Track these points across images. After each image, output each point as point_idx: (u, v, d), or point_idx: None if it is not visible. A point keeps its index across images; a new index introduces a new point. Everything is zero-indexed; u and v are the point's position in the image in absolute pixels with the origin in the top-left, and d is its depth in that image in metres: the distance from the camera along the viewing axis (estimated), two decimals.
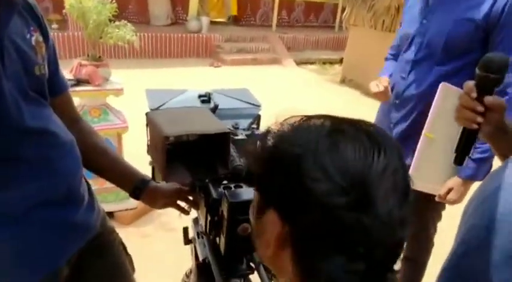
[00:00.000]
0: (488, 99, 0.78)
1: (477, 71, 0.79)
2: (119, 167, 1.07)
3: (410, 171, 1.23)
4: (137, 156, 1.52)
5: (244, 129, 1.25)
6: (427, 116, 1.27)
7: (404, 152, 1.43)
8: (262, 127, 1.34)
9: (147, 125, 0.96)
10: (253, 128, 1.25)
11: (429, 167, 1.27)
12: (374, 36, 5.94)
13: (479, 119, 0.79)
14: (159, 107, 1.22)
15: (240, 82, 6.26)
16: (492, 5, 1.24)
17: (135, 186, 1.04)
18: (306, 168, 0.42)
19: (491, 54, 0.79)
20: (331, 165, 0.42)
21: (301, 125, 0.49)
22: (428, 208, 1.50)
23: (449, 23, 1.32)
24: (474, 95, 0.79)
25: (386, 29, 5.77)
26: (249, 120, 1.30)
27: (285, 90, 6.10)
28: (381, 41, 5.83)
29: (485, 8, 1.25)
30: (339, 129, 0.46)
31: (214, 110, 1.27)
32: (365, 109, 5.62)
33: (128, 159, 1.09)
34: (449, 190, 1.34)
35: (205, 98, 1.28)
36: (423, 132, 1.26)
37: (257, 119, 1.32)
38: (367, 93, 6.15)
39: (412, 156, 1.31)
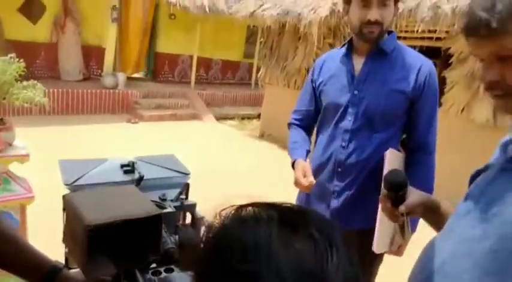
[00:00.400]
0: (401, 209, 0.89)
1: (383, 189, 0.91)
2: (25, 256, 0.91)
3: (374, 247, 1.29)
4: (44, 231, 1.33)
5: (172, 201, 1.18)
6: (372, 180, 1.39)
7: (353, 218, 1.44)
8: (192, 196, 1.28)
9: (64, 209, 0.84)
10: (182, 198, 1.19)
11: (387, 236, 1.29)
12: (288, 94, 6.33)
13: (402, 218, 0.91)
14: (76, 181, 1.10)
15: (159, 138, 6.13)
16: (416, 78, 1.41)
17: (45, 277, 0.89)
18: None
19: (390, 175, 0.92)
20: (287, 269, 0.39)
21: (247, 221, 0.46)
22: (376, 259, 1.55)
23: (383, 95, 1.41)
24: (389, 205, 0.90)
25: (298, 88, 6.21)
26: (177, 190, 1.23)
27: (206, 146, 6.09)
28: (294, 98, 6.18)
29: (411, 80, 1.41)
30: (290, 224, 0.44)
31: (140, 181, 1.18)
32: (284, 162, 5.85)
33: (32, 236, 0.94)
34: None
35: (129, 168, 1.19)
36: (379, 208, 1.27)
37: (186, 188, 1.26)
38: (285, 146, 6.40)
39: (364, 222, 1.43)
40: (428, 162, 1.50)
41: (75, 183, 1.08)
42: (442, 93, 4.52)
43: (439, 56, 4.85)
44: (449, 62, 4.33)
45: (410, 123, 1.47)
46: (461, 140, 4.26)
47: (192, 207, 1.18)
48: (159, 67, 9.31)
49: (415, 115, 1.45)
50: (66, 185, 1.08)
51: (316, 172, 1.53)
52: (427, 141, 1.48)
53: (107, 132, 6.13)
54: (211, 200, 4.16)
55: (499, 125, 3.80)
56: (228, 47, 10.00)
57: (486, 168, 0.78)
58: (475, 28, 0.65)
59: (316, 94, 1.61)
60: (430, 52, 4.91)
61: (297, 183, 1.44)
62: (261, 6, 6.14)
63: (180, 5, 7.45)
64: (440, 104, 4.48)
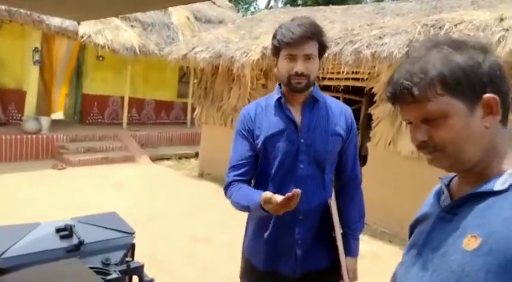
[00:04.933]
0: None
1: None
2: None
3: (345, 280, 1.49)
4: None
5: (117, 264, 1.09)
6: (325, 220, 1.51)
7: (319, 260, 1.52)
8: (138, 257, 1.18)
9: None
10: (127, 261, 1.09)
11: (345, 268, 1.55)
12: (225, 133, 6.37)
13: None
14: (5, 252, 0.96)
15: (89, 184, 5.74)
16: (345, 122, 1.57)
17: None
18: None
19: None
20: None
21: None
22: None
23: (327, 139, 1.52)
24: None
25: (235, 127, 6.28)
26: (122, 252, 1.13)
27: (143, 189, 5.82)
28: (231, 137, 6.27)
29: (343, 124, 1.56)
30: None
31: (79, 246, 1.07)
32: (225, 201, 5.76)
33: None
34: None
35: (66, 233, 1.08)
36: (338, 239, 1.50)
37: (131, 248, 1.17)
38: None
39: (327, 260, 1.54)
40: (359, 191, 1.68)
41: (3, 256, 0.95)
42: (369, 128, 4.85)
43: (363, 94, 5.26)
44: (374, 100, 4.70)
45: (341, 160, 1.61)
46: (389, 171, 4.56)
47: (139, 270, 1.10)
48: (87, 109, 8.89)
49: (344, 153, 1.60)
50: None
51: (270, 226, 1.52)
52: (356, 173, 1.65)
53: (30, 181, 5.61)
54: (153, 247, 3.94)
55: (422, 156, 4.14)
56: (160, 86, 9.91)
57: (423, 217, 0.84)
58: (400, 96, 0.74)
59: (254, 143, 1.56)
60: (355, 91, 5.32)
61: (281, 204, 1.28)
62: (193, 49, 6.23)
63: (108, 47, 7.29)
64: (369, 139, 4.84)
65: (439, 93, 0.71)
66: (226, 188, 1.56)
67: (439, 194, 0.84)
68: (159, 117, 10.21)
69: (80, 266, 0.77)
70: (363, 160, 5.02)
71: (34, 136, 6.83)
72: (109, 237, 1.12)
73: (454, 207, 0.74)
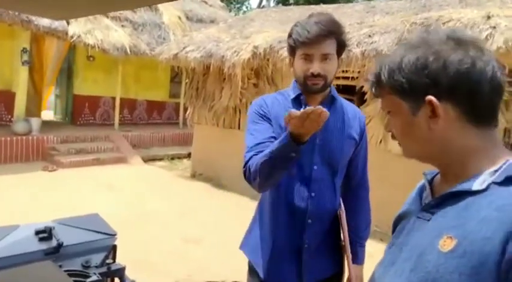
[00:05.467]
0: None
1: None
2: None
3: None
4: None
5: (97, 267, 1.07)
6: (334, 226, 1.48)
7: (325, 267, 1.49)
8: (129, 258, 1.17)
9: None
10: (108, 263, 1.08)
11: None
12: (217, 132, 6.35)
13: None
14: None
15: (81, 186, 5.69)
16: (359, 126, 1.53)
17: None
18: None
19: None
20: None
21: None
22: None
23: (342, 141, 1.46)
24: None
25: (227, 126, 6.26)
26: (103, 254, 1.12)
27: (135, 190, 5.79)
28: (223, 136, 6.27)
29: (357, 128, 1.51)
30: None
31: (58, 249, 1.06)
32: (218, 202, 5.75)
33: None
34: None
35: (45, 235, 1.06)
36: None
37: (113, 250, 1.16)
38: (218, 185, 6.34)
39: (333, 267, 1.52)
40: (368, 199, 1.63)
41: None
42: None
43: (354, 92, 5.27)
44: (364, 98, 4.71)
45: (351, 166, 1.55)
46: (380, 169, 4.57)
47: (120, 272, 1.08)
48: (78, 110, 8.82)
49: (355, 159, 1.54)
50: None
51: (279, 228, 1.45)
52: (365, 179, 1.61)
53: (20, 183, 5.56)
54: (145, 248, 3.91)
55: None
56: (152, 87, 9.86)
57: (405, 214, 0.83)
58: (372, 92, 0.82)
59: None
60: (346, 89, 5.32)
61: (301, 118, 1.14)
62: (184, 48, 6.20)
63: (98, 47, 7.23)
64: None
65: (387, 93, 0.76)
66: (246, 164, 1.37)
67: (421, 191, 0.83)
68: (151, 118, 10.17)
69: (55, 269, 0.76)
70: None
71: (24, 137, 6.76)
72: (89, 239, 1.11)
73: (433, 206, 0.74)
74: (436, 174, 0.82)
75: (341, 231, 1.50)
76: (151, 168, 7.43)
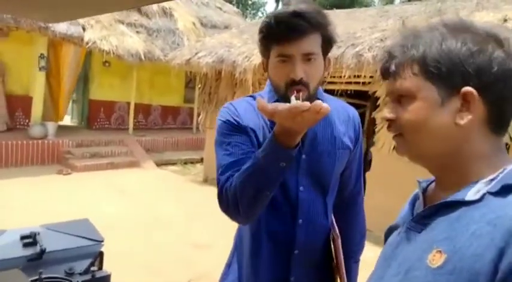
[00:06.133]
0: None
1: None
2: None
3: None
4: None
5: (81, 274, 1.05)
6: (325, 253, 1.23)
7: None
8: (107, 266, 1.14)
9: None
10: (93, 270, 1.05)
11: None
12: None
13: None
14: None
15: (94, 189, 5.75)
16: (354, 129, 1.25)
17: None
18: None
19: None
20: None
21: None
22: None
23: (335, 155, 1.19)
24: None
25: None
26: (88, 261, 1.10)
27: (146, 195, 5.81)
28: None
29: (351, 133, 1.24)
30: None
31: (41, 254, 1.04)
32: None
33: None
34: None
35: (30, 240, 1.05)
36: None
37: (98, 257, 1.13)
38: None
39: None
40: (362, 209, 1.40)
41: None
42: (373, 133, 4.77)
43: (367, 98, 5.18)
44: (377, 103, 4.62)
45: (343, 175, 1.28)
46: (394, 176, 4.46)
47: (105, 279, 1.06)
48: (93, 114, 8.96)
49: (349, 167, 1.28)
50: None
51: (260, 262, 1.18)
52: (360, 189, 1.37)
53: (35, 185, 5.65)
54: (154, 251, 3.91)
55: None
56: (167, 92, 9.95)
57: (396, 226, 0.76)
58: (382, 67, 0.71)
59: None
60: (359, 95, 5.24)
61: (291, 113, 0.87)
62: (196, 54, 6.23)
63: (113, 53, 7.35)
64: (373, 143, 4.75)
65: (413, 73, 0.66)
66: (222, 188, 1.07)
67: (414, 200, 0.76)
68: (166, 123, 10.25)
69: (21, 278, 0.74)
70: (369, 165, 4.94)
71: (40, 141, 6.89)
72: (74, 245, 1.08)
73: (425, 217, 0.67)
74: (432, 182, 0.75)
75: (333, 255, 1.24)
76: (164, 173, 7.46)
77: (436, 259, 0.59)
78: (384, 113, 0.71)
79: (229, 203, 1.05)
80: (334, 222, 1.25)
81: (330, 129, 1.20)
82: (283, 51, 1.06)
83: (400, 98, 0.68)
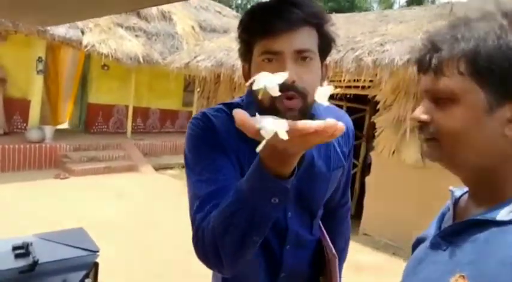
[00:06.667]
0: None
1: None
2: None
3: None
4: None
5: None
6: (314, 270, 1.12)
7: None
8: (104, 275, 1.10)
9: None
10: None
11: None
12: None
13: None
14: None
15: (91, 194, 5.69)
16: (347, 142, 1.11)
17: None
18: None
19: None
20: None
21: None
22: None
23: (329, 179, 1.03)
24: None
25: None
26: (83, 272, 1.06)
27: (144, 199, 5.76)
28: None
29: (345, 148, 1.09)
30: None
31: (33, 266, 1.00)
32: None
33: None
34: None
35: (22, 251, 1.01)
36: None
37: (93, 268, 1.09)
38: None
39: None
40: (348, 215, 1.30)
41: None
42: (373, 137, 4.74)
43: (367, 102, 5.16)
44: (377, 108, 4.60)
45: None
46: (393, 181, 4.44)
47: None
48: (91, 118, 8.92)
49: (340, 179, 1.15)
50: None
51: None
52: (347, 199, 1.27)
53: (32, 190, 5.60)
54: (148, 256, 3.85)
55: (428, 165, 4.01)
56: (165, 96, 9.92)
57: (424, 238, 0.70)
58: (420, 60, 0.61)
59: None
60: (358, 99, 5.22)
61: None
62: (195, 57, 6.21)
63: (112, 56, 7.31)
64: (373, 148, 4.72)
65: (459, 72, 0.55)
66: (197, 230, 0.83)
67: (445, 212, 0.68)
68: (164, 126, 10.21)
69: None
70: (368, 169, 4.92)
71: (37, 145, 6.84)
72: (68, 256, 1.05)
73: (451, 234, 0.60)
74: (465, 193, 0.66)
75: (327, 275, 1.12)
76: (161, 177, 7.42)
77: None
78: (417, 112, 0.61)
79: (207, 252, 0.79)
80: (330, 242, 1.11)
81: (323, 148, 1.01)
82: (269, 47, 0.82)
83: (439, 99, 0.58)
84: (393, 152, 4.43)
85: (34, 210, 4.71)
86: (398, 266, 3.87)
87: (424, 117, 0.60)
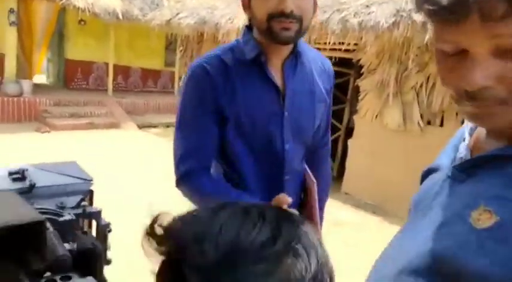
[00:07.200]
0: None
1: None
2: None
3: None
4: None
5: (72, 208, 1.08)
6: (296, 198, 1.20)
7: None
8: (97, 202, 1.18)
9: None
10: (84, 205, 1.09)
11: None
12: None
13: None
14: None
15: (74, 148, 5.67)
16: (328, 81, 1.22)
17: None
18: None
19: None
20: None
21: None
22: None
23: (314, 110, 1.16)
24: None
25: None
26: (79, 197, 1.13)
27: (129, 154, 5.79)
28: None
29: (327, 85, 1.20)
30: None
31: (30, 189, 1.06)
32: None
33: None
34: None
35: (18, 176, 1.06)
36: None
37: (89, 194, 1.16)
38: None
39: None
40: (328, 157, 1.39)
41: None
42: (357, 100, 4.83)
43: (352, 66, 5.21)
44: (361, 72, 4.66)
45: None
46: (375, 144, 4.58)
47: (96, 214, 1.09)
48: (70, 74, 8.70)
49: (323, 116, 1.25)
50: None
51: None
52: (328, 137, 1.35)
53: (13, 142, 5.53)
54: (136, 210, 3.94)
55: (409, 129, 4.16)
56: (147, 55, 9.70)
57: (437, 168, 0.63)
58: (451, 7, 0.42)
59: (217, 117, 1.07)
60: (343, 62, 5.28)
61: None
62: (177, 14, 6.06)
63: (89, 11, 7.03)
64: (356, 111, 4.82)
65: None
66: (184, 178, 1.09)
67: (458, 142, 0.61)
68: (146, 86, 10.07)
69: (18, 198, 0.76)
70: (351, 132, 5.02)
71: (15, 99, 6.69)
72: (64, 182, 1.11)
73: (472, 166, 0.53)
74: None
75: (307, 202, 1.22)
76: (145, 135, 7.42)
77: (483, 219, 0.47)
78: (477, 78, 0.45)
79: (187, 192, 1.12)
80: (307, 168, 1.23)
81: (307, 84, 1.14)
82: None
83: (501, 51, 0.43)
84: (376, 116, 4.54)
85: (14, 159, 4.69)
86: (377, 223, 4.04)
87: (489, 83, 0.45)
